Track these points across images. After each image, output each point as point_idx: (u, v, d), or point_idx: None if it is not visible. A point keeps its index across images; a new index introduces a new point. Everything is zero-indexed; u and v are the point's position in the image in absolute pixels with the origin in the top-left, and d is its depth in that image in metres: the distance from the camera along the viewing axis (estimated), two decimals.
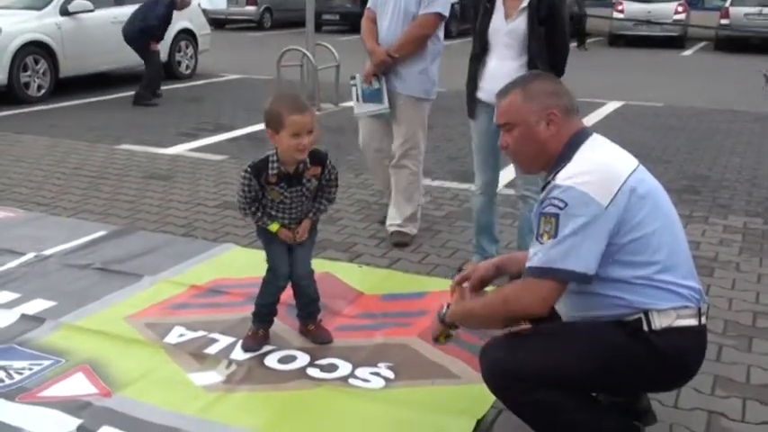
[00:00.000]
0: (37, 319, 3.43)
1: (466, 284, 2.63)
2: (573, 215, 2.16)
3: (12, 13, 9.60)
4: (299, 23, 10.09)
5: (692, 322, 2.24)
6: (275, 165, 2.98)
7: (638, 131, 8.08)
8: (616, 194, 2.18)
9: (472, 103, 3.87)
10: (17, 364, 3.04)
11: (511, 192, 5.08)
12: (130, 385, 2.90)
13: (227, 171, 6.13)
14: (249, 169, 3.01)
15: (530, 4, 3.61)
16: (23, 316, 3.46)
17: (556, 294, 2.22)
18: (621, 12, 18.67)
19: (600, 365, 2.23)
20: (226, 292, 3.76)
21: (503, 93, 2.45)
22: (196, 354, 3.16)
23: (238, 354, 3.16)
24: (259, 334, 3.23)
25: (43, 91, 9.52)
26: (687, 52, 18.04)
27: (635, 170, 2.28)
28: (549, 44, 3.63)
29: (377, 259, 4.28)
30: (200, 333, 3.33)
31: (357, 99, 4.51)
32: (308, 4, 9.41)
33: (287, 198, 3.06)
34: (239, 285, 3.79)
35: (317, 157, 3.05)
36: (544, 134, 2.34)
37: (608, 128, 7.84)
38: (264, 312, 3.24)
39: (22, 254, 4.23)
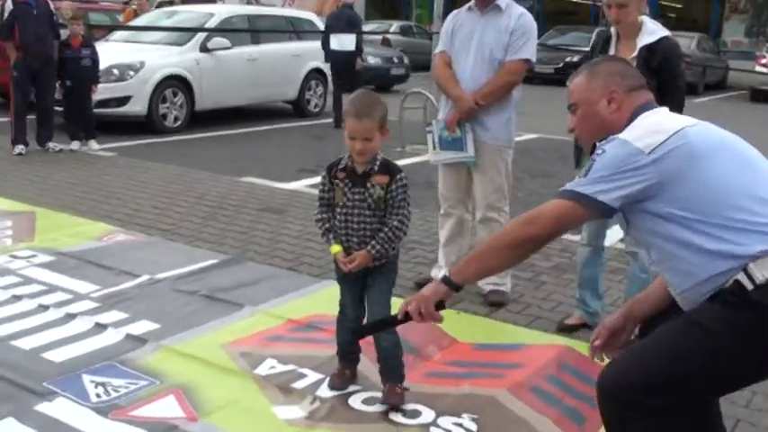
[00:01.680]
0: (140, 340, 3.57)
1: (597, 342, 2.46)
2: (609, 158, 2.18)
3: (156, 48, 10.23)
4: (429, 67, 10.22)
5: None
6: (346, 159, 3.02)
7: None
8: (663, 143, 2.13)
9: (578, 152, 3.78)
10: (115, 381, 3.18)
11: (623, 246, 4.89)
12: (216, 412, 2.96)
13: None
14: (326, 166, 3.09)
15: (640, 53, 3.49)
16: (128, 335, 3.62)
17: (572, 215, 2.21)
18: (765, 66, 17.79)
19: (713, 358, 2.05)
20: (321, 329, 3.78)
21: (573, 76, 2.52)
22: (283, 387, 3.19)
23: (324, 391, 3.17)
24: (345, 373, 3.22)
25: (179, 122, 10.04)
26: None
27: (694, 125, 2.21)
28: (662, 97, 3.49)
29: (476, 306, 4.21)
30: (291, 367, 3.37)
31: (434, 147, 4.36)
32: (433, 47, 9.51)
33: (349, 201, 2.98)
34: (335, 322, 3.81)
35: (387, 168, 2.97)
36: (605, 112, 2.37)
37: None
38: (345, 351, 3.23)
39: (138, 276, 4.44)
